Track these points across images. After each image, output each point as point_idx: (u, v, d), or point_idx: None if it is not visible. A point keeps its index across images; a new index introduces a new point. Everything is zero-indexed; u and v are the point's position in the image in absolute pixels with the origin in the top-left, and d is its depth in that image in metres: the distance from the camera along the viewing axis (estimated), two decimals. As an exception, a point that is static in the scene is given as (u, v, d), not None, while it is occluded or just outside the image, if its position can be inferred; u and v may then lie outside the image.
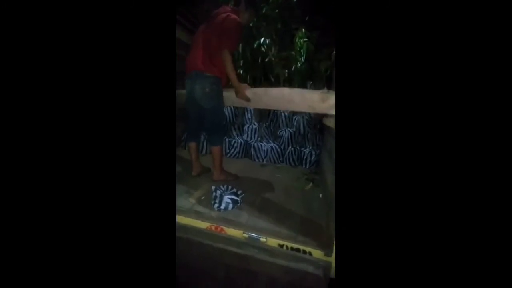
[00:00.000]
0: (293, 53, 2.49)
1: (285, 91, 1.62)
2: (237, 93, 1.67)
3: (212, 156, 1.81)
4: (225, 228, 1.24)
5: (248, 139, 2.64)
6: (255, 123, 2.65)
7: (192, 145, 1.92)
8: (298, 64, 2.49)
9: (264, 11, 2.50)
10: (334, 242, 1.03)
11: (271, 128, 2.67)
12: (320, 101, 1.50)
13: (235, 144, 2.59)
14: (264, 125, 2.65)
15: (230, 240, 1.20)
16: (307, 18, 2.55)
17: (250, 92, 1.67)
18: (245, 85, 1.70)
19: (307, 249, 1.13)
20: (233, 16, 1.65)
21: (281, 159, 2.54)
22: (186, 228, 1.25)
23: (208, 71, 1.64)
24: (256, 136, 2.65)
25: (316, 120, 2.56)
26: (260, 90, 1.70)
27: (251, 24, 2.53)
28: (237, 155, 2.60)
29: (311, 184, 2.00)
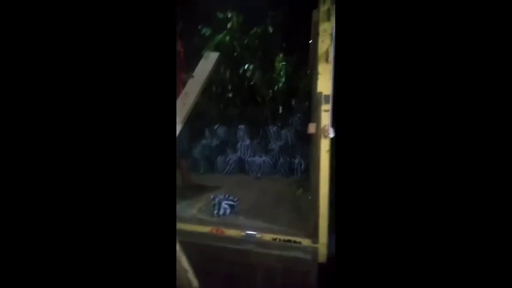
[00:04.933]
0: (275, 75, 2.80)
1: None
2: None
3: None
4: (225, 230, 1.41)
5: (242, 155, 2.85)
6: (247, 140, 2.89)
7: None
8: (280, 85, 2.79)
9: (246, 42, 2.84)
10: (320, 231, 1.21)
11: (262, 143, 2.90)
12: None
13: (230, 161, 2.80)
14: (256, 141, 2.88)
15: (230, 239, 1.36)
16: (284, 44, 2.90)
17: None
18: None
19: (297, 239, 1.31)
20: None
21: (274, 171, 2.74)
22: (191, 233, 1.42)
23: None
24: (249, 151, 2.86)
25: (302, 132, 2.80)
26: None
27: (235, 54, 2.86)
28: (233, 170, 2.80)
29: (301, 189, 2.18)
